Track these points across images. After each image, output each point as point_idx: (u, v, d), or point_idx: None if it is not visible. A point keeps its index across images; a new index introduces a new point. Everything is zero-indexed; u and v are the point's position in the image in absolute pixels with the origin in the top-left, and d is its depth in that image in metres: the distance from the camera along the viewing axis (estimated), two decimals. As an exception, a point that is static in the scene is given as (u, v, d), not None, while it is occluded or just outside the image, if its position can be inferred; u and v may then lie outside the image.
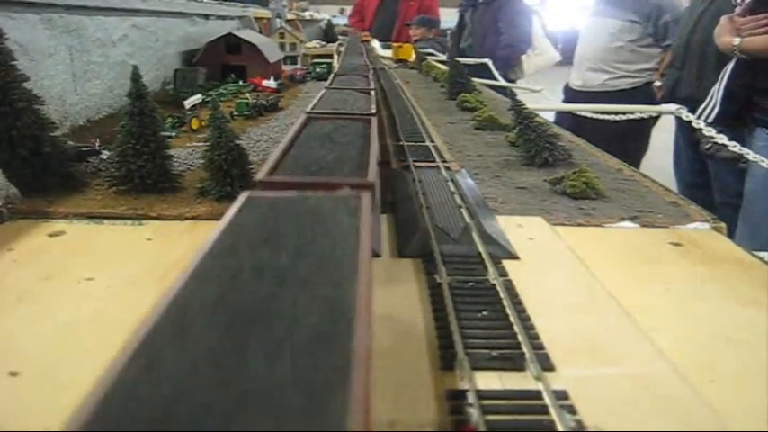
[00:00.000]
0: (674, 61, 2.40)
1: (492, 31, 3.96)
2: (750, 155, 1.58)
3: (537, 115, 1.39)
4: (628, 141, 2.79)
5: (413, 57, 3.50)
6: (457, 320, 0.55)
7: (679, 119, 2.20)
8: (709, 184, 2.32)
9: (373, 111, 0.81)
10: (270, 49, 2.68)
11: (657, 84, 2.95)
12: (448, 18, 5.17)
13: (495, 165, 1.23)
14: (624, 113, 2.20)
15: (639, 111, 2.16)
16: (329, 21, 5.98)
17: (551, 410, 0.44)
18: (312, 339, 0.24)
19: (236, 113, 1.75)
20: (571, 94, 3.10)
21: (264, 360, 0.23)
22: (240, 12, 3.40)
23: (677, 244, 0.84)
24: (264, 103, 1.85)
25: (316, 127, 0.69)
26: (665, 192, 1.08)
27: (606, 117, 2.27)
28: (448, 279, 0.64)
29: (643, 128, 2.87)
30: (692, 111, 1.93)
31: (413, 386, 0.48)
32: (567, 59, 3.53)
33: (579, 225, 0.91)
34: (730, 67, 1.88)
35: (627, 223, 0.91)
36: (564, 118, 2.54)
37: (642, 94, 2.90)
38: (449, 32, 5.16)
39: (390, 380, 0.48)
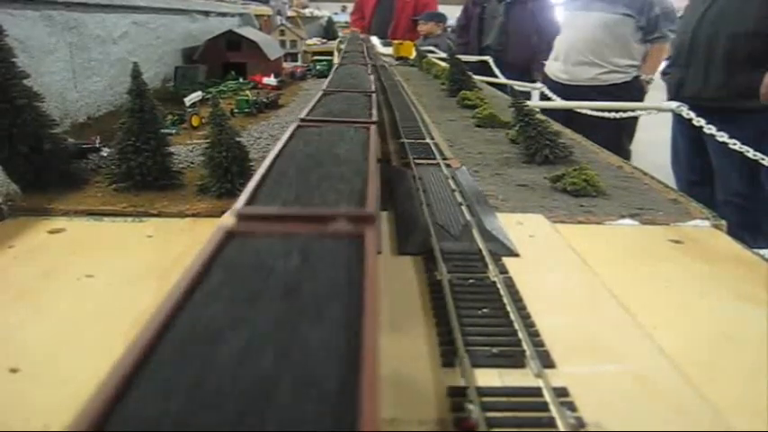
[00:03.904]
0: (677, 59, 2.35)
1: (531, 31, 3.86)
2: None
3: (538, 112, 1.39)
4: (619, 134, 2.81)
5: (413, 54, 3.50)
6: (457, 318, 0.55)
7: (678, 116, 2.19)
8: (708, 182, 2.31)
9: (374, 118, 0.71)
10: (270, 46, 2.68)
11: (644, 78, 2.95)
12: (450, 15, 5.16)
13: (495, 162, 1.23)
14: (624, 111, 2.20)
15: (640, 108, 2.16)
16: (330, 18, 5.97)
17: (551, 407, 0.44)
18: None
19: (236, 111, 1.75)
20: (556, 88, 3.06)
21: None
22: (241, 9, 3.40)
23: (677, 241, 0.84)
24: (265, 100, 1.85)
25: (307, 139, 0.58)
26: (666, 189, 1.08)
27: (603, 113, 2.27)
28: (448, 276, 0.64)
29: (633, 122, 2.88)
30: (699, 109, 1.92)
31: (413, 383, 0.48)
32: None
33: (579, 222, 0.91)
34: None
35: (627, 221, 0.91)
36: (550, 113, 2.53)
37: (633, 88, 2.91)
38: (449, 29, 5.14)
39: (391, 377, 0.48)
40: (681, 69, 2.30)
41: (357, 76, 1.17)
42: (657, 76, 2.93)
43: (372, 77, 1.13)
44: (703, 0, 2.24)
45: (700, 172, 2.36)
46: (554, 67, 3.15)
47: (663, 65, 2.67)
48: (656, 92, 3.09)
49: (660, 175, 1.19)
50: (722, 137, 1.71)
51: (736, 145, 1.68)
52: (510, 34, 3.98)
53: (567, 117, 2.42)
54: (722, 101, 2.09)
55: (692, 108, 1.93)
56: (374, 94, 0.91)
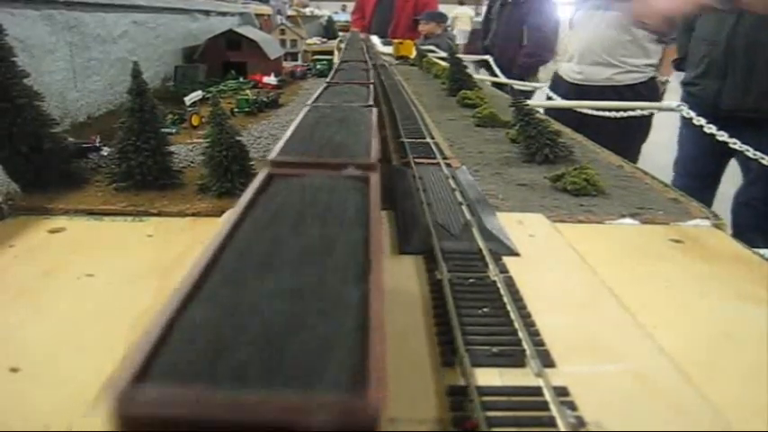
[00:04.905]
0: (709, 70, 2.17)
1: (517, 34, 3.85)
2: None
3: (538, 112, 1.39)
4: (632, 135, 2.79)
5: (414, 53, 3.50)
6: (457, 317, 0.55)
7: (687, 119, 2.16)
8: (715, 184, 2.30)
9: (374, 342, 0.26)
10: (270, 45, 2.68)
11: (661, 79, 2.93)
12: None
13: (495, 161, 1.23)
14: (626, 110, 2.19)
15: (641, 107, 2.16)
16: (330, 17, 5.97)
17: (552, 407, 0.44)
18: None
19: (236, 110, 1.75)
20: (570, 88, 3.05)
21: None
22: (241, 8, 3.40)
23: (678, 241, 0.84)
24: (265, 99, 1.85)
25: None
26: (666, 189, 1.08)
27: (609, 113, 2.26)
28: (448, 276, 0.64)
29: (647, 121, 2.86)
30: (739, 122, 1.88)
31: (413, 383, 0.48)
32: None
33: (580, 222, 0.91)
34: None
35: (627, 220, 0.91)
36: (560, 113, 2.50)
37: (648, 88, 2.88)
38: (449, 29, 5.15)
39: (391, 376, 0.48)
40: (716, 80, 2.14)
41: (350, 112, 0.64)
42: (674, 78, 2.89)
43: (375, 115, 0.62)
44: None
45: (713, 175, 2.32)
46: (567, 67, 3.14)
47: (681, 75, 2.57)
48: (674, 94, 3.06)
49: (665, 176, 1.19)
50: (722, 136, 1.71)
51: (736, 144, 1.68)
52: (499, 35, 4.00)
53: (578, 120, 2.41)
54: (764, 112, 2.00)
55: (729, 119, 1.89)
56: (375, 175, 0.42)
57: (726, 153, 2.20)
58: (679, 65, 2.57)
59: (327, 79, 0.97)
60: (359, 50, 1.97)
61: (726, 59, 2.09)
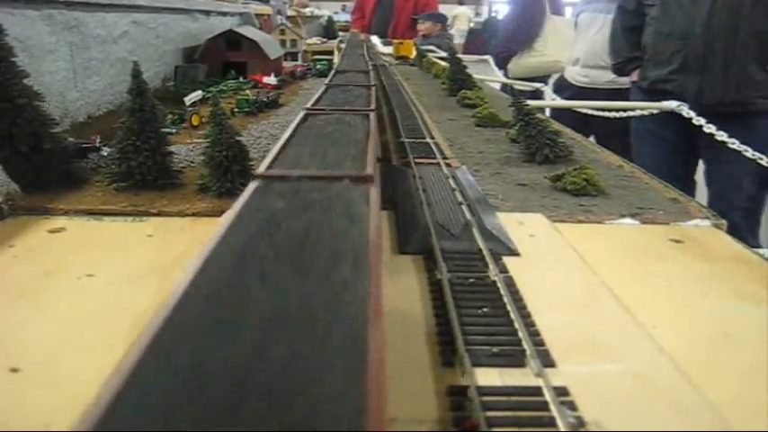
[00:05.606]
0: (686, 65, 2.08)
1: (501, 29, 3.95)
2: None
3: (538, 112, 1.39)
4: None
5: (413, 53, 3.50)
6: (457, 317, 0.55)
7: (658, 122, 2.14)
8: (687, 192, 2.27)
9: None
10: (270, 45, 2.68)
11: None
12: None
13: (495, 161, 1.23)
14: (624, 110, 2.19)
15: (640, 107, 2.16)
16: (330, 17, 5.98)
17: (552, 407, 0.44)
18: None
19: (236, 110, 1.75)
20: (574, 91, 3.05)
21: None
22: (241, 8, 3.40)
23: (678, 241, 0.84)
24: (265, 99, 1.85)
25: None
26: (666, 188, 1.08)
27: (611, 114, 2.25)
28: (448, 275, 0.64)
29: None
30: (723, 119, 1.86)
31: (413, 382, 0.48)
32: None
33: (580, 222, 0.91)
34: None
35: (627, 220, 0.91)
36: (566, 115, 2.49)
37: None
38: (448, 28, 5.17)
39: (390, 376, 0.48)
40: (695, 75, 2.06)
41: (324, 214, 0.37)
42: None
43: (375, 215, 0.38)
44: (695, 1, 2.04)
45: (683, 180, 2.26)
46: (573, 71, 3.14)
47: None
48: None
49: (660, 175, 1.19)
50: (721, 136, 1.71)
51: (735, 144, 1.68)
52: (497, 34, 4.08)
53: (584, 122, 2.40)
54: (746, 105, 1.98)
55: (713, 115, 1.88)
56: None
57: (694, 155, 2.17)
58: (620, 68, 2.50)
59: (309, 103, 0.71)
60: (359, 56, 1.79)
61: (704, 52, 2.03)
